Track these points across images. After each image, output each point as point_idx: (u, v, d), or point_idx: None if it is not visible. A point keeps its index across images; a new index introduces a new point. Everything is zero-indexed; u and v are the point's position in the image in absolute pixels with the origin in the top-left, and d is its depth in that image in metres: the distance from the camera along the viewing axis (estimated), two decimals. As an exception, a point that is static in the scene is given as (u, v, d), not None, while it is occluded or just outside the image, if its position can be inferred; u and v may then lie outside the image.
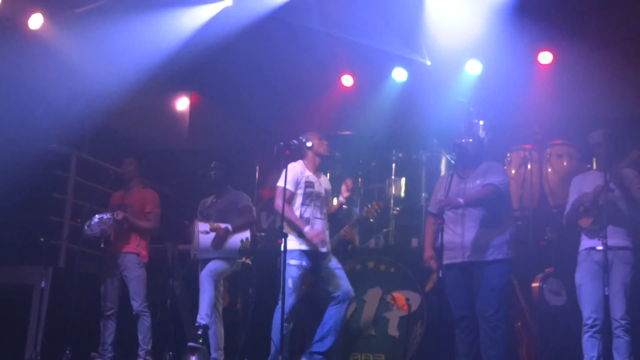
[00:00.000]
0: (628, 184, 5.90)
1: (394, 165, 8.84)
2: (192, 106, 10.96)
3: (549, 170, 7.89)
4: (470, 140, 6.36)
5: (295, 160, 6.63)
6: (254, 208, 7.44)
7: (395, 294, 7.41)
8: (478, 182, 6.17)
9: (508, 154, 8.12)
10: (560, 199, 7.49)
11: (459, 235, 6.11)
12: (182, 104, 11.03)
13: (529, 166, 7.94)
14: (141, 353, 7.30)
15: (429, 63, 9.10)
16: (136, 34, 8.50)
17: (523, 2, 7.99)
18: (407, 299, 7.30)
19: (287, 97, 9.77)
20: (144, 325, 7.34)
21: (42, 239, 7.67)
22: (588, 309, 5.87)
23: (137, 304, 7.36)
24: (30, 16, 8.54)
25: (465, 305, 6.11)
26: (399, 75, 9.50)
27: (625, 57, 8.16)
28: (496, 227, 6.09)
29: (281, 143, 6.41)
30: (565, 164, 7.85)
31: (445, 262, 6.01)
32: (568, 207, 6.14)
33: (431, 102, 8.74)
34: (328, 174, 7.00)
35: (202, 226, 7.10)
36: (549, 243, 7.30)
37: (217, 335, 7.07)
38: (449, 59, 8.83)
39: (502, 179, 6.19)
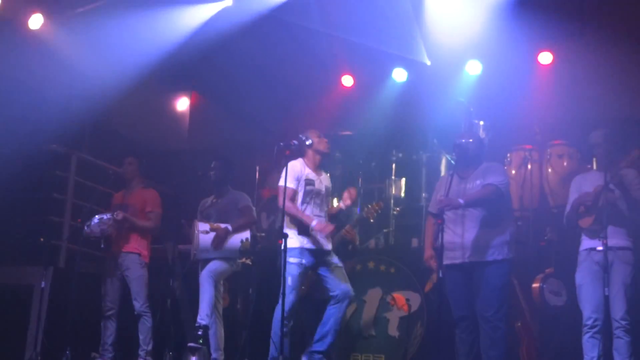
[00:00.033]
0: (628, 184, 5.90)
1: (394, 165, 8.84)
2: (192, 106, 10.96)
3: (549, 170, 7.89)
4: (471, 140, 6.36)
5: (295, 159, 6.63)
6: (254, 208, 7.44)
7: (396, 294, 7.41)
8: (478, 182, 6.17)
9: (508, 154, 8.13)
10: (560, 199, 7.49)
11: (459, 236, 6.11)
12: (183, 104, 11.03)
13: (529, 166, 7.94)
14: (141, 353, 7.30)
15: (429, 63, 9.09)
16: (136, 33, 8.49)
17: (523, 2, 7.99)
18: (407, 299, 7.31)
19: (288, 98, 9.77)
20: (145, 326, 7.34)
21: (42, 239, 7.67)
22: (588, 310, 5.88)
23: (139, 304, 7.36)
24: (30, 16, 8.53)
25: (465, 305, 6.11)
26: (399, 75, 9.49)
27: (625, 57, 8.15)
28: (496, 227, 6.09)
29: (281, 143, 6.42)
30: (565, 164, 7.85)
31: (445, 262, 6.01)
32: (568, 208, 6.15)
33: (431, 103, 8.74)
34: (328, 175, 6.98)
35: (202, 226, 7.10)
36: (549, 243, 7.31)
37: (217, 335, 7.08)
38: (449, 59, 8.83)
39: (502, 179, 6.19)
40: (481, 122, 8.09)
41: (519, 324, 6.92)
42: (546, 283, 6.91)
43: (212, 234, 7.06)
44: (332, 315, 6.50)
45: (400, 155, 8.90)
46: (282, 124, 9.60)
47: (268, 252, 7.31)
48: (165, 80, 9.96)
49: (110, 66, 8.67)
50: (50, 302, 7.80)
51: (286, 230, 6.26)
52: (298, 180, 6.57)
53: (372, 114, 9.34)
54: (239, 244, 7.07)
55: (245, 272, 7.40)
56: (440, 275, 5.86)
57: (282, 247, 6.13)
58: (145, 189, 7.75)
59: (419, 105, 9.05)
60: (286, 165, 6.47)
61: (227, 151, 8.99)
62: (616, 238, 5.83)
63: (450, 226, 6.08)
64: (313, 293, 6.92)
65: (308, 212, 6.56)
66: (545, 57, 8.75)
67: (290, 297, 6.33)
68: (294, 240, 6.42)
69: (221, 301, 7.25)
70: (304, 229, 6.49)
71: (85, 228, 7.38)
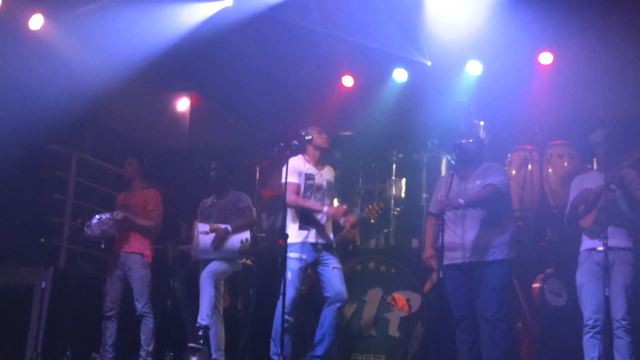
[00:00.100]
0: (628, 184, 5.90)
1: (394, 165, 8.84)
2: (193, 106, 10.96)
3: (550, 170, 7.89)
4: (471, 140, 6.36)
5: (296, 155, 6.66)
6: (254, 209, 7.44)
7: (396, 295, 7.41)
8: (478, 182, 6.17)
9: (508, 155, 8.13)
10: (560, 199, 7.50)
11: (459, 236, 6.11)
12: (183, 104, 11.03)
13: (529, 167, 7.94)
14: (142, 354, 7.30)
15: (429, 63, 9.09)
16: (136, 33, 8.49)
17: (523, 2, 7.98)
18: (408, 300, 7.31)
19: (288, 98, 9.77)
20: (147, 326, 7.34)
21: (42, 240, 7.67)
22: (589, 310, 5.88)
23: (141, 305, 7.36)
24: (30, 17, 8.53)
25: (465, 305, 6.11)
26: (400, 75, 9.49)
27: (626, 57, 8.15)
28: (496, 227, 6.09)
29: (281, 143, 6.43)
30: (565, 164, 7.85)
31: (445, 262, 6.01)
32: (569, 207, 6.15)
33: (432, 103, 8.74)
34: (331, 168, 6.98)
35: (202, 227, 7.11)
36: (550, 244, 7.31)
37: (217, 335, 7.07)
38: (449, 59, 8.83)
39: (502, 180, 6.19)
40: (481, 123, 8.10)
41: (520, 324, 6.92)
42: (547, 283, 6.91)
43: (212, 235, 7.06)
44: (326, 317, 6.50)
45: (401, 155, 8.89)
46: (282, 124, 9.59)
47: (268, 252, 7.31)
48: (165, 81, 9.97)
49: (111, 66, 8.67)
50: (50, 303, 7.80)
51: (288, 225, 6.28)
52: (299, 175, 6.60)
53: (373, 115, 9.34)
54: (239, 244, 7.07)
55: (246, 272, 7.40)
56: (441, 275, 5.86)
57: (283, 247, 6.14)
58: (147, 188, 7.74)
59: (420, 106, 9.05)
60: (286, 163, 6.49)
61: (227, 151, 9.00)
62: (617, 238, 5.84)
63: (450, 226, 6.08)
64: (313, 293, 6.92)
65: None
66: (546, 58, 8.75)
67: (290, 293, 6.33)
68: (295, 235, 6.44)
69: (222, 301, 7.25)
70: (307, 221, 6.50)
71: (86, 229, 7.38)
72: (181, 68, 9.55)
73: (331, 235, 6.68)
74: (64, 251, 8.36)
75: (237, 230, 7.12)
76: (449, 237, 6.03)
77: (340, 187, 8.11)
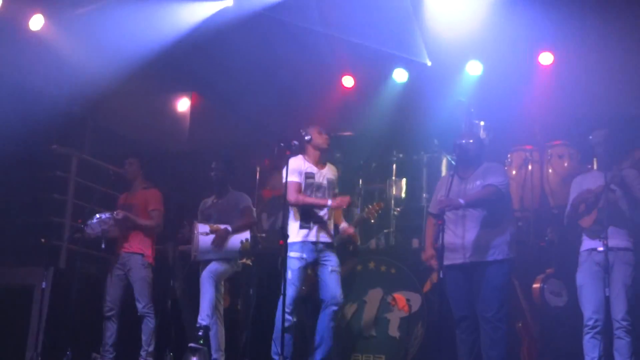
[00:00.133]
0: (629, 184, 5.90)
1: (394, 166, 8.84)
2: (193, 107, 10.96)
3: (550, 170, 7.89)
4: (471, 140, 6.36)
5: (296, 155, 6.67)
6: (254, 209, 7.44)
7: (396, 295, 7.41)
8: (478, 182, 6.17)
9: (509, 155, 8.13)
10: (561, 199, 7.49)
11: (460, 236, 6.10)
12: (183, 104, 11.03)
13: (529, 167, 7.94)
14: (143, 354, 7.29)
15: (429, 64, 9.09)
16: (136, 32, 8.49)
17: (523, 2, 7.99)
18: (408, 300, 7.31)
19: (288, 98, 9.76)
20: (148, 327, 7.34)
21: (43, 240, 7.67)
22: (589, 310, 5.88)
23: (142, 305, 7.36)
24: (31, 17, 8.53)
25: (465, 305, 6.11)
26: (400, 75, 9.49)
27: (626, 57, 8.15)
28: (496, 227, 6.09)
29: (281, 144, 6.44)
30: (566, 164, 7.85)
31: (445, 262, 5.99)
32: (569, 208, 6.15)
33: (432, 103, 8.74)
34: (332, 166, 6.99)
35: (202, 227, 7.11)
36: (550, 244, 7.31)
37: (218, 336, 7.08)
38: (449, 59, 8.83)
39: (503, 180, 6.19)
40: (482, 123, 8.10)
41: (520, 325, 6.92)
42: (547, 283, 6.91)
43: (212, 235, 7.06)
44: (322, 321, 6.53)
45: (401, 155, 8.90)
46: (282, 124, 9.59)
47: (268, 252, 7.31)
48: (165, 81, 9.97)
49: (111, 66, 8.67)
50: (51, 303, 7.79)
51: (289, 225, 6.28)
52: (300, 174, 6.62)
53: (373, 115, 9.34)
54: (239, 244, 7.07)
55: (246, 272, 7.40)
56: (441, 275, 5.86)
57: (283, 247, 6.14)
58: (147, 189, 7.74)
59: (420, 106, 9.05)
60: (287, 163, 6.50)
61: (227, 151, 8.99)
62: (617, 239, 5.84)
63: (450, 227, 6.08)
64: (313, 293, 6.92)
65: None
66: (546, 58, 8.74)
67: (290, 291, 6.35)
68: (295, 233, 6.46)
69: (222, 302, 7.25)
70: (309, 219, 6.50)
71: (86, 228, 7.37)
72: (181, 68, 9.55)
73: (332, 233, 6.68)
74: (64, 251, 8.36)
75: (237, 230, 7.13)
76: (449, 237, 6.03)
77: (340, 187, 8.07)
